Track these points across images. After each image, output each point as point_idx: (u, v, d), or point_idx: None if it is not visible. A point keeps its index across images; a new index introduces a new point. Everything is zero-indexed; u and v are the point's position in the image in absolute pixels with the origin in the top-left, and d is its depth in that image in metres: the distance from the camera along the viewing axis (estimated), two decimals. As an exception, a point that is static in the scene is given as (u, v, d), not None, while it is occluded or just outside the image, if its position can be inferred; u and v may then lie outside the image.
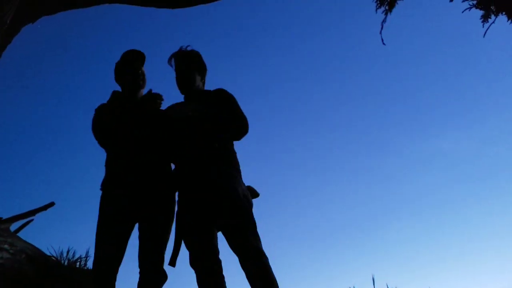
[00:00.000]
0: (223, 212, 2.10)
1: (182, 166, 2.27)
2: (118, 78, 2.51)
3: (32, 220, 3.20)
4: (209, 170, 2.19)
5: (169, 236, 2.30)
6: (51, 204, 3.24)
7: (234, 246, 2.06)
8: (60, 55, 8.26)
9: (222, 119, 2.28)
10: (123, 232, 2.20)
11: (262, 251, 2.06)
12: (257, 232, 2.11)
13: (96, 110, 2.41)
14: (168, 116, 2.34)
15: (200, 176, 2.18)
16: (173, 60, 2.46)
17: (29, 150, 8.29)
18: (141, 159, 2.30)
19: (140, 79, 2.45)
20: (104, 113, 2.37)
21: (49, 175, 8.30)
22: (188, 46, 2.46)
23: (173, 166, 2.42)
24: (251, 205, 2.20)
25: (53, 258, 2.96)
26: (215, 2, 2.76)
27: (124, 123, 2.33)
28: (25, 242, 2.90)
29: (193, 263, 2.10)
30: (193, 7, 2.60)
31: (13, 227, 3.10)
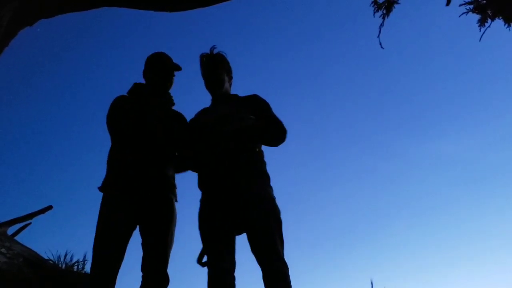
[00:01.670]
0: (257, 215, 2.12)
1: (214, 168, 2.24)
2: (153, 73, 2.47)
3: (29, 223, 3.19)
4: (246, 175, 2.20)
5: (173, 239, 2.30)
6: (49, 207, 3.23)
7: (260, 249, 2.08)
8: (58, 59, 8.25)
9: (269, 129, 2.29)
10: (123, 235, 2.18)
11: (284, 260, 2.08)
12: (283, 240, 2.14)
13: (115, 99, 2.38)
14: (204, 119, 2.34)
15: (235, 179, 2.18)
16: (203, 61, 2.47)
17: (27, 154, 8.27)
18: (149, 158, 2.29)
19: (171, 85, 2.48)
20: (126, 103, 2.35)
21: (47, 179, 8.28)
22: (215, 47, 2.47)
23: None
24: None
25: (51, 261, 2.95)
26: (213, 6, 2.75)
27: (145, 117, 2.31)
28: (22, 245, 2.90)
29: (210, 262, 2.11)
30: (192, 10, 2.60)
31: (11, 230, 3.09)
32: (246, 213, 2.12)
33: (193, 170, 2.40)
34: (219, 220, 2.15)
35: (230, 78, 2.51)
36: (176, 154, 2.44)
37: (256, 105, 2.37)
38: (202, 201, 2.26)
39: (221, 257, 2.09)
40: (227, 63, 2.48)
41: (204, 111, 2.46)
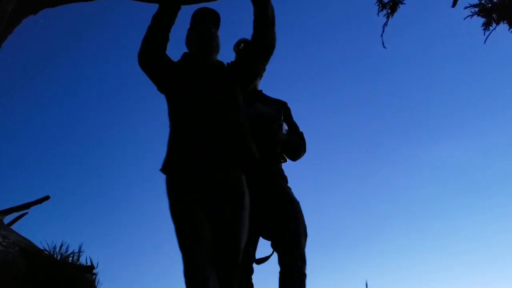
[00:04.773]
0: (292, 219, 2.14)
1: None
2: (186, 41, 2.23)
3: (26, 213, 3.18)
4: (275, 182, 2.24)
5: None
6: (46, 197, 3.22)
7: (284, 244, 2.09)
8: (60, 53, 8.25)
9: (298, 144, 2.33)
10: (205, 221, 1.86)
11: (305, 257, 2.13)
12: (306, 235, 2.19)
13: None
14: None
15: (265, 185, 2.20)
16: (242, 45, 2.42)
17: (25, 143, 8.26)
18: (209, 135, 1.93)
19: (210, 39, 2.11)
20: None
21: (45, 169, 8.28)
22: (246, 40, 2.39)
23: None
24: None
25: (46, 252, 2.94)
26: (222, 1, 2.71)
27: (188, 84, 2.04)
28: (18, 235, 2.88)
29: None
30: (198, 4, 2.55)
31: (7, 219, 3.08)
32: (272, 210, 2.14)
33: None
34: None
35: (262, 75, 2.44)
36: None
37: (286, 115, 2.38)
38: None
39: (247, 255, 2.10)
40: None
41: None
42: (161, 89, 2.14)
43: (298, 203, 2.20)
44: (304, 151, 2.35)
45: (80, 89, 8.49)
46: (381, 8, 2.74)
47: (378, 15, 2.74)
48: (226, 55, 2.45)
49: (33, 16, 2.79)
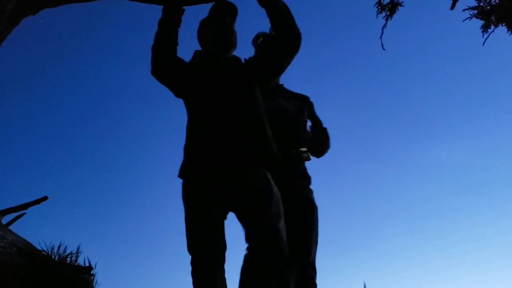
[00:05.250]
0: (307, 224, 2.16)
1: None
2: (200, 37, 2.16)
3: (24, 213, 3.17)
4: (296, 182, 2.21)
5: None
6: (44, 198, 3.21)
7: (298, 255, 2.06)
8: (60, 54, 8.23)
9: (323, 141, 2.33)
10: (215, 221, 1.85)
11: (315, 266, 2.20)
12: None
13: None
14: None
15: (286, 185, 2.09)
16: (260, 39, 2.32)
17: (24, 143, 8.25)
18: (227, 131, 1.86)
19: (228, 34, 2.06)
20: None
21: (43, 169, 8.26)
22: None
23: None
24: None
25: (44, 252, 2.93)
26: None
27: (202, 83, 1.97)
28: (16, 235, 2.87)
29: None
30: (202, 5, 2.55)
31: (5, 220, 3.07)
32: (288, 211, 2.01)
33: None
34: None
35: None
36: None
37: (309, 110, 2.33)
38: None
39: None
40: None
41: None
42: (178, 94, 2.10)
43: (316, 208, 2.16)
44: (328, 147, 2.30)
45: (80, 89, 8.49)
46: (380, 10, 2.75)
47: (377, 17, 2.75)
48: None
49: (32, 16, 2.79)
